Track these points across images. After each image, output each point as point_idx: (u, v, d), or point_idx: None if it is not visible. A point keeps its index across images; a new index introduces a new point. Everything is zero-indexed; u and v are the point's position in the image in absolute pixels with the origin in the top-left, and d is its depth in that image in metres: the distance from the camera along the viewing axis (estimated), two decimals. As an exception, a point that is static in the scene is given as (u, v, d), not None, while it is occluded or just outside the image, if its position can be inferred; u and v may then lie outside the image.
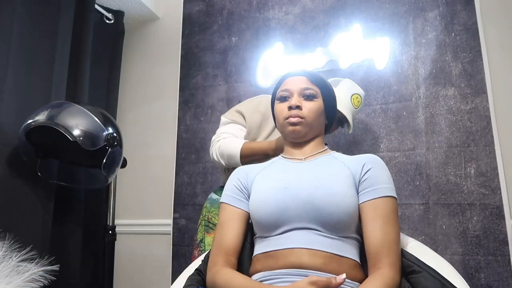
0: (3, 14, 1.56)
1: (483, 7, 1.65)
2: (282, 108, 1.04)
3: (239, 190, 1.03)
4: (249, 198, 1.02)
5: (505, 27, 1.62)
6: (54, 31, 1.77)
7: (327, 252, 0.87)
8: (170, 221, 2.03)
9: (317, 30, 1.90)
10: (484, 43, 1.62)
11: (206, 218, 1.48)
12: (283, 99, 1.05)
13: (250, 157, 1.35)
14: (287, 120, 1.02)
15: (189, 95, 2.13)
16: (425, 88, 1.68)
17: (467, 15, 1.67)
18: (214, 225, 1.44)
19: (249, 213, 1.01)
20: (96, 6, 2.09)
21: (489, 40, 1.63)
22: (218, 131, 1.47)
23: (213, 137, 1.45)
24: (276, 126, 1.12)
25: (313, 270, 0.85)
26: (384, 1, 1.81)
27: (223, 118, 1.50)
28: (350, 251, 0.90)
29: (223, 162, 1.38)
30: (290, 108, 1.01)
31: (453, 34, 1.68)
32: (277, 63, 1.92)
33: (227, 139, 1.41)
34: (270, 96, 1.18)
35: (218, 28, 2.12)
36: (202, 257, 1.05)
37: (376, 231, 0.87)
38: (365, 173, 0.94)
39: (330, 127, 1.12)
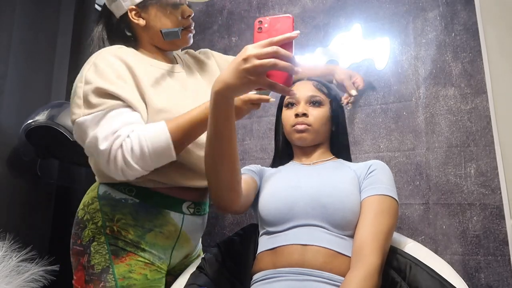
0: (3, 14, 1.56)
1: (483, 7, 1.65)
2: (289, 115, 1.08)
3: (253, 169, 1.10)
4: (259, 183, 1.07)
5: (505, 27, 1.62)
6: (54, 31, 1.77)
7: (329, 249, 0.89)
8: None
9: (317, 30, 1.90)
10: (484, 43, 1.62)
11: (107, 231, 0.97)
12: (290, 105, 1.09)
13: (185, 139, 0.93)
14: (293, 128, 1.06)
15: (189, 95, 2.13)
16: (425, 88, 1.68)
17: (467, 15, 1.67)
18: (129, 243, 0.97)
19: (256, 183, 1.05)
20: (96, 6, 2.09)
21: (489, 40, 1.62)
22: (101, 133, 0.91)
23: (99, 146, 0.91)
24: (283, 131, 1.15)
25: (314, 269, 0.87)
26: (384, 1, 1.81)
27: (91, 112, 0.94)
28: (351, 250, 0.91)
29: (142, 169, 0.91)
30: (297, 115, 1.05)
31: (453, 34, 1.68)
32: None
33: (135, 131, 0.90)
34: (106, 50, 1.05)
35: (218, 28, 2.12)
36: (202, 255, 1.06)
37: (365, 224, 0.89)
38: (369, 173, 0.99)
39: (338, 134, 1.15)
